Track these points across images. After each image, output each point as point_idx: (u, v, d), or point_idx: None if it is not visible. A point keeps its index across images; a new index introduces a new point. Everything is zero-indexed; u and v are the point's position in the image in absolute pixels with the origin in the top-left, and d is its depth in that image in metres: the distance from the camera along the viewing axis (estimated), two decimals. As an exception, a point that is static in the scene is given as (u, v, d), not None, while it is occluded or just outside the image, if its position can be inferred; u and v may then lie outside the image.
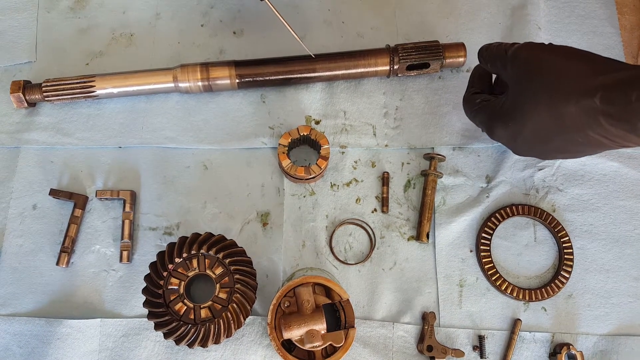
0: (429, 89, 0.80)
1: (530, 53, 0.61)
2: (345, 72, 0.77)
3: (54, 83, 0.75)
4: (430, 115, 0.79)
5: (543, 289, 0.71)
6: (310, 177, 0.72)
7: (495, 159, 0.77)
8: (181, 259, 0.66)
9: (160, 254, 0.66)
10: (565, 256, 0.73)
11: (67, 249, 0.71)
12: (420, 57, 0.76)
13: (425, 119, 0.79)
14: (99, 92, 0.76)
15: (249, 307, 0.65)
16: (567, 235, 0.73)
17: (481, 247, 0.73)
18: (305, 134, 0.72)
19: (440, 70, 0.79)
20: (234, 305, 0.64)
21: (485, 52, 0.67)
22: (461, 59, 0.78)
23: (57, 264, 0.71)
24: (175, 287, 0.65)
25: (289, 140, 0.72)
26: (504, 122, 0.63)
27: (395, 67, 0.77)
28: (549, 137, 0.60)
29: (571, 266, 0.72)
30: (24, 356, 0.68)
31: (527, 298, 0.71)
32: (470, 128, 0.78)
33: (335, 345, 0.61)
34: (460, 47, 0.78)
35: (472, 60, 0.81)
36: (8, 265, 0.72)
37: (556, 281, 0.72)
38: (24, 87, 0.76)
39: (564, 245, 0.73)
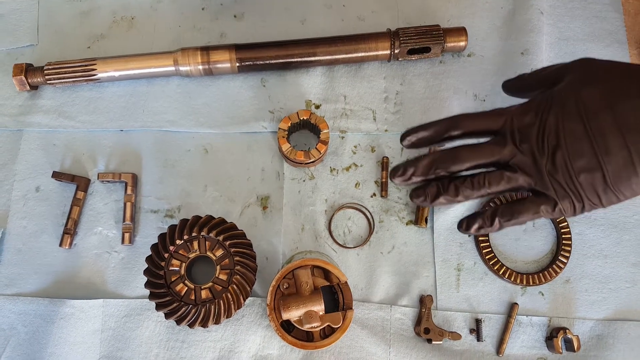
0: (430, 73, 0.80)
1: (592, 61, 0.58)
2: (345, 56, 0.77)
3: (56, 66, 0.76)
4: (430, 100, 0.79)
5: (541, 274, 0.72)
6: (309, 161, 0.72)
7: (495, 144, 0.77)
8: (182, 241, 0.67)
9: (162, 236, 0.67)
10: (564, 242, 0.73)
11: (69, 231, 0.72)
12: (421, 41, 0.76)
13: (425, 104, 0.79)
14: (100, 75, 0.76)
15: (248, 289, 0.66)
16: (566, 221, 0.74)
17: (479, 232, 0.73)
18: (305, 118, 0.73)
19: (442, 55, 0.79)
20: (234, 286, 0.65)
21: (530, 74, 0.64)
22: (462, 44, 0.78)
23: (60, 245, 0.72)
24: (176, 268, 0.66)
25: (289, 125, 0.73)
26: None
27: (396, 51, 0.76)
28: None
29: (569, 251, 0.73)
30: (29, 335, 0.70)
31: (524, 282, 0.72)
32: (470, 113, 0.78)
33: (333, 326, 0.62)
34: (461, 31, 0.78)
35: (473, 45, 0.81)
36: (12, 247, 0.74)
37: (554, 266, 0.72)
38: (26, 70, 0.76)
39: (562, 230, 0.73)
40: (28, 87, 0.77)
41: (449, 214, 0.74)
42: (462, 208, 0.74)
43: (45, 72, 0.76)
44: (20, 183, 0.76)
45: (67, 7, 0.84)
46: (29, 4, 0.84)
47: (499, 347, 0.70)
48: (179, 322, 0.64)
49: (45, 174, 0.76)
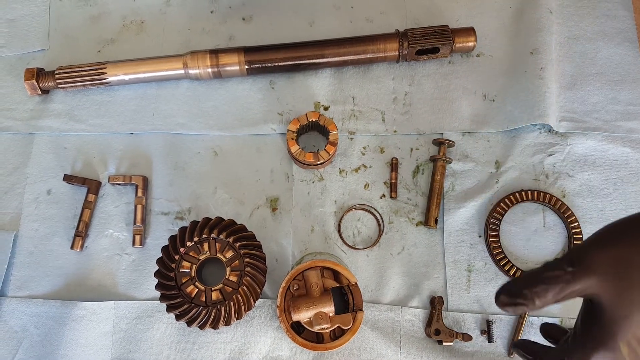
0: (439, 74, 0.80)
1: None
2: (354, 57, 0.77)
3: (67, 70, 0.77)
4: (439, 101, 0.79)
5: (552, 275, 0.71)
6: (318, 162, 0.72)
7: (505, 145, 0.77)
8: (192, 243, 0.67)
9: (172, 238, 0.67)
10: (575, 242, 0.72)
11: (81, 233, 0.73)
12: (429, 41, 0.76)
13: (434, 104, 0.78)
14: (110, 79, 0.77)
15: (258, 290, 0.66)
16: (577, 221, 0.73)
17: (490, 233, 0.73)
18: (314, 120, 0.73)
19: (450, 55, 0.79)
20: (244, 288, 0.65)
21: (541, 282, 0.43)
22: (471, 44, 0.77)
23: (72, 247, 0.73)
24: (187, 270, 0.67)
25: (298, 126, 0.73)
26: None
27: (405, 52, 0.76)
28: None
29: (581, 252, 0.72)
30: (41, 337, 0.70)
31: (535, 283, 0.71)
32: (480, 113, 0.78)
33: (343, 327, 0.62)
34: (470, 31, 0.77)
35: (482, 45, 0.81)
36: (24, 249, 0.74)
37: (565, 266, 0.71)
38: (38, 74, 0.77)
39: (573, 231, 0.73)
40: (39, 92, 0.77)
41: (459, 214, 0.74)
42: (473, 208, 0.74)
43: (56, 76, 0.76)
44: (31, 186, 0.76)
45: (77, 12, 0.84)
46: (40, 9, 0.84)
47: (510, 348, 0.70)
48: (189, 323, 0.64)
49: (57, 177, 0.76)
